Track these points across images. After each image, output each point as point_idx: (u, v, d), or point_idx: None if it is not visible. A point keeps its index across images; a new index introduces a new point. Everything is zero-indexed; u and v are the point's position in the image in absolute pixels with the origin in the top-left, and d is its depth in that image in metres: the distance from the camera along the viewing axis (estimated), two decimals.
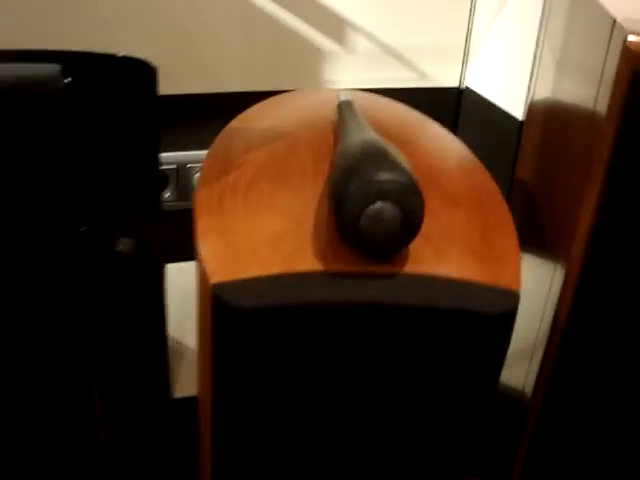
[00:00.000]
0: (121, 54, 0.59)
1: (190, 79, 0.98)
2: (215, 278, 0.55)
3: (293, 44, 0.99)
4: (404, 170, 0.54)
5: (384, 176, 0.53)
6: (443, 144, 0.71)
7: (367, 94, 0.79)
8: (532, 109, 0.83)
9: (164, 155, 0.96)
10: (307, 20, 0.99)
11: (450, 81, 1.07)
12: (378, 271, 0.56)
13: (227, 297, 0.54)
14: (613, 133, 0.53)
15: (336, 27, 1.01)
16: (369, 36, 1.02)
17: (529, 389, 0.71)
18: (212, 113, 0.98)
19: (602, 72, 0.56)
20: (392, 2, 1.01)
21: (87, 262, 0.57)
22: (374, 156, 0.55)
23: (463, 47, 1.05)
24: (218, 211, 0.60)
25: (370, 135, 0.60)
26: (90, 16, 0.88)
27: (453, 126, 1.10)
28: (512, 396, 0.74)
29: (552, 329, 0.64)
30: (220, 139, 0.69)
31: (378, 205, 0.53)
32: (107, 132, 0.59)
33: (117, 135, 0.60)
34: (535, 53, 0.87)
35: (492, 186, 0.67)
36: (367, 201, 0.53)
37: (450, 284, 0.56)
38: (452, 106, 1.09)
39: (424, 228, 0.57)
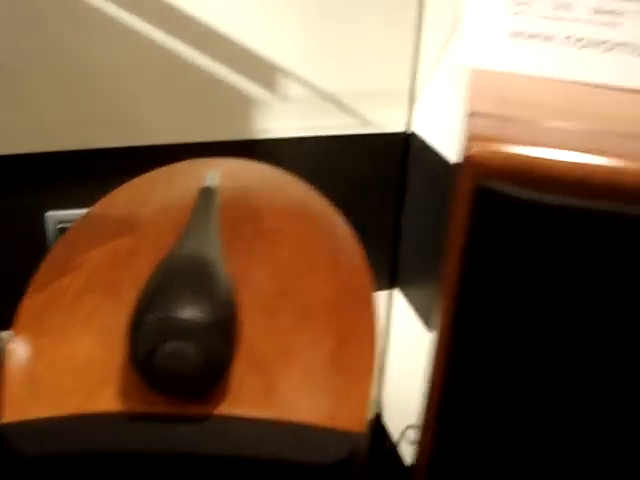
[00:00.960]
0: None
1: (115, 132, 0.91)
2: (6, 417, 0.48)
3: (221, 93, 0.92)
4: (212, 305, 0.46)
5: (183, 313, 0.45)
6: (317, 229, 0.63)
7: (253, 165, 0.71)
8: None
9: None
10: (236, 68, 0.92)
11: (395, 126, 0.98)
12: (189, 413, 0.48)
13: (12, 440, 0.47)
14: (459, 253, 0.44)
15: (267, 74, 0.93)
16: (303, 82, 0.94)
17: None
18: (136, 166, 0.91)
19: None
20: (328, 46, 0.93)
21: None
22: (182, 283, 0.47)
23: (408, 91, 0.96)
24: (36, 329, 0.53)
25: (200, 248, 0.52)
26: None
27: (401, 173, 1.01)
28: None
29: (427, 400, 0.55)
30: (72, 229, 0.62)
31: (173, 344, 0.45)
32: None
33: None
34: None
35: (363, 283, 0.58)
36: (161, 339, 0.45)
37: (277, 427, 0.48)
38: (399, 152, 1.00)
39: (257, 353, 0.50)
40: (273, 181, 0.71)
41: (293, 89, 0.94)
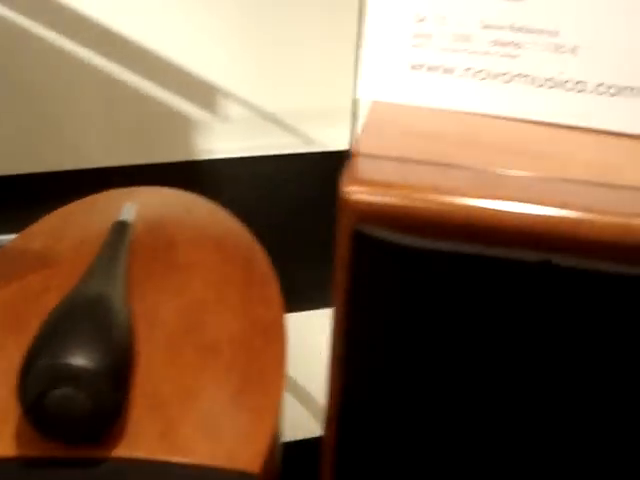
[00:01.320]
0: None
1: (50, 156, 0.91)
2: None
3: (160, 115, 0.92)
4: (105, 349, 0.46)
5: (74, 360, 0.45)
6: (233, 261, 0.63)
7: (175, 194, 0.71)
8: None
9: None
10: (174, 89, 0.91)
11: (338, 145, 0.98)
12: (85, 457, 0.47)
13: None
14: (343, 293, 0.43)
15: (207, 94, 0.93)
16: (244, 102, 0.93)
17: None
18: (72, 191, 0.90)
19: None
20: (268, 66, 0.92)
21: None
22: (76, 327, 0.47)
23: (351, 108, 0.96)
24: None
25: (102, 288, 0.52)
26: None
27: None
28: None
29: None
30: None
31: (62, 391, 0.45)
32: None
33: None
34: None
35: (274, 317, 0.58)
36: (50, 385, 0.45)
37: (174, 469, 0.48)
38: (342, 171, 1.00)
39: (157, 394, 0.49)
40: (194, 211, 0.71)
41: (234, 109, 0.94)
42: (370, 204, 0.41)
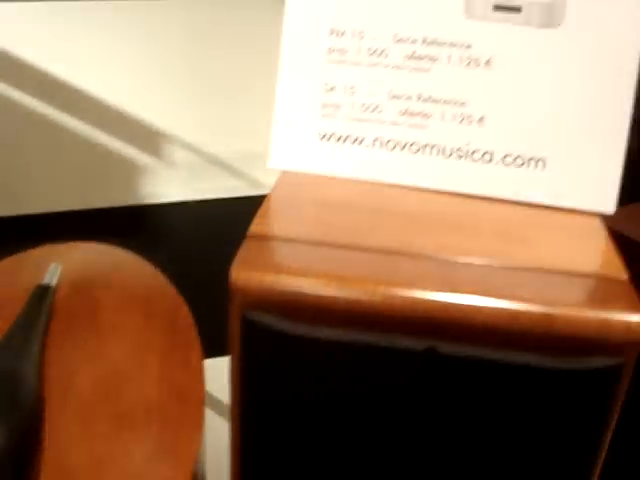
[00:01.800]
0: None
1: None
2: None
3: (107, 161, 0.92)
4: (7, 428, 0.45)
5: None
6: (157, 323, 0.62)
7: (105, 251, 0.71)
8: None
9: None
10: (119, 136, 0.91)
11: None
12: None
13: None
14: (237, 374, 0.43)
15: (153, 140, 0.93)
16: (191, 147, 0.93)
17: None
18: (21, 236, 0.90)
19: None
20: (214, 111, 0.92)
21: None
22: None
23: None
24: None
25: (13, 360, 0.51)
26: None
27: None
28: None
29: None
30: None
31: None
32: None
33: None
34: None
35: (194, 383, 0.57)
36: None
37: None
38: None
39: (68, 466, 0.49)
40: (121, 270, 0.70)
41: (181, 154, 0.94)
42: (258, 291, 0.41)
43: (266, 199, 0.50)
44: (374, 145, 0.52)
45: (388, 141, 0.52)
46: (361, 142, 0.52)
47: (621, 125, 0.50)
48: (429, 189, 0.52)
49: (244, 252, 0.43)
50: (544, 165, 0.51)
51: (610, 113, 0.50)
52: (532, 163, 0.51)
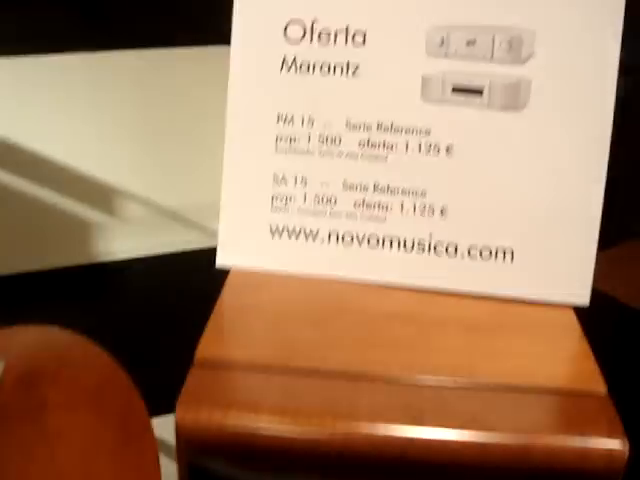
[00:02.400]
0: None
1: None
2: None
3: (57, 220, 0.87)
4: None
5: None
6: (107, 421, 0.58)
7: (55, 337, 0.66)
8: None
9: None
10: (71, 194, 0.87)
11: None
12: None
13: None
14: None
15: (106, 197, 0.88)
16: (145, 202, 0.89)
17: None
18: None
19: None
20: (167, 165, 0.88)
21: None
22: None
23: None
24: None
25: None
26: None
27: None
28: None
29: None
30: None
31: None
32: None
33: None
34: None
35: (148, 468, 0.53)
36: None
37: None
38: None
39: None
40: (71, 359, 0.66)
41: (134, 209, 0.89)
42: (206, 433, 0.37)
43: (215, 310, 0.45)
44: (329, 239, 0.48)
45: (344, 235, 0.48)
46: (315, 236, 0.48)
47: (593, 211, 0.46)
48: (390, 285, 0.48)
49: (190, 385, 0.39)
50: (512, 256, 0.47)
51: (581, 199, 0.46)
52: (499, 254, 0.47)
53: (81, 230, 0.88)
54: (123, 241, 0.90)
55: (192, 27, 0.81)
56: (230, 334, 0.44)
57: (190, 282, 0.97)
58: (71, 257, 0.90)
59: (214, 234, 0.88)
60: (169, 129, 0.85)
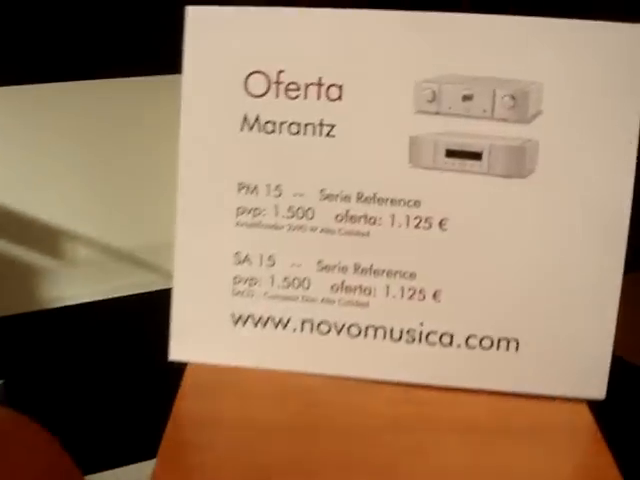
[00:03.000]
0: None
1: None
2: None
3: (5, 267, 0.78)
4: None
5: None
6: None
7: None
8: None
9: None
10: (17, 239, 0.78)
11: None
12: None
13: None
14: None
15: (52, 240, 0.80)
16: (95, 244, 0.81)
17: None
18: None
19: None
20: (118, 206, 0.80)
21: None
22: None
23: None
24: None
25: None
26: None
27: None
28: None
29: None
30: None
31: None
32: None
33: None
34: None
35: None
36: None
37: None
38: None
39: None
40: (8, 444, 0.58)
41: (84, 252, 0.82)
42: None
43: (171, 417, 0.38)
44: (302, 328, 0.40)
45: (320, 323, 0.40)
46: (285, 325, 0.40)
47: (611, 293, 0.39)
48: (374, 381, 0.40)
49: None
50: (516, 346, 0.40)
51: (597, 280, 0.39)
52: (502, 345, 0.40)
53: (29, 276, 0.80)
54: (74, 286, 0.82)
55: (141, 55, 0.74)
56: (185, 457, 0.36)
57: (146, 325, 0.89)
58: (14, 305, 0.81)
59: (170, 274, 0.80)
60: (119, 165, 0.77)
